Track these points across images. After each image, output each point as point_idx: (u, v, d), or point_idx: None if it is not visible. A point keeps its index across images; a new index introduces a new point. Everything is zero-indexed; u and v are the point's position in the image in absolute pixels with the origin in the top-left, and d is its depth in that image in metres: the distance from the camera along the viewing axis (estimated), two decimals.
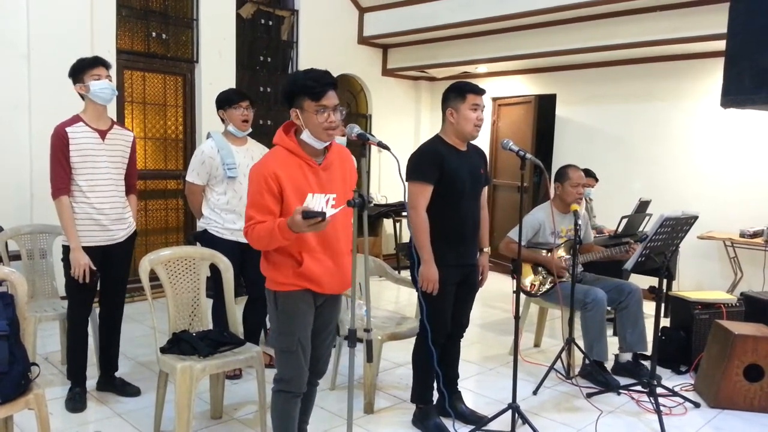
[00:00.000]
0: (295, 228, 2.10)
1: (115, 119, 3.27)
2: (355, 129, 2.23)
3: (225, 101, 3.64)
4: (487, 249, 3.19)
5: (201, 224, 3.64)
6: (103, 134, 3.17)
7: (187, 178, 3.61)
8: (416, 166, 2.93)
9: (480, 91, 2.95)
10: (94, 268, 3.12)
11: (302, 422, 2.56)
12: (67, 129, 3.07)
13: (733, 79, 2.08)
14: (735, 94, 2.09)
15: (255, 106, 3.74)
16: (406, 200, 2.62)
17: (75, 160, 3.07)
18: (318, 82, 2.20)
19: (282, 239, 2.15)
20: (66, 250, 3.13)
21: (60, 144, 3.05)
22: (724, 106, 2.19)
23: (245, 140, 3.70)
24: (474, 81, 3.11)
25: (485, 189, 3.15)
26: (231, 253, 3.31)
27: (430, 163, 2.90)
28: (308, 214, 2.07)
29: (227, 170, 3.50)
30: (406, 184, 2.91)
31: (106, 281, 3.32)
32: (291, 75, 2.31)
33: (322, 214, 2.09)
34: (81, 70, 3.11)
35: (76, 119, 3.13)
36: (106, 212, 3.17)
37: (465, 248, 3.00)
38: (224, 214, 3.54)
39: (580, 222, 3.77)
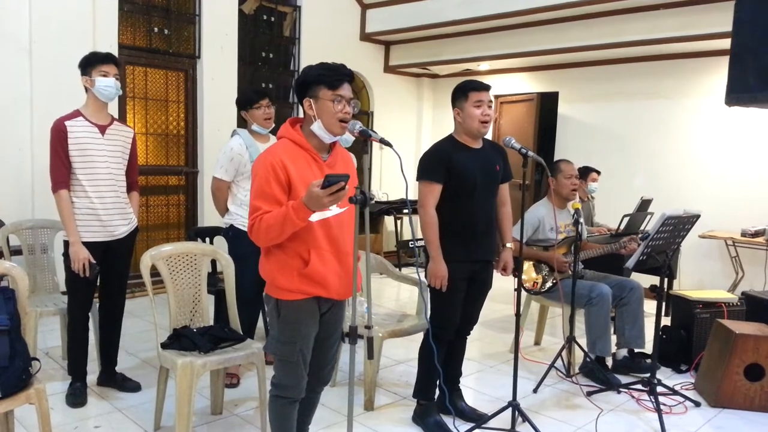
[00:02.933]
0: (313, 203, 1.99)
1: (116, 114, 3.28)
2: (357, 125, 2.21)
3: (246, 102, 3.63)
4: (509, 244, 3.17)
5: (227, 220, 3.65)
6: (102, 129, 3.17)
7: (215, 175, 3.60)
8: (424, 165, 2.98)
9: (482, 87, 2.94)
10: (94, 262, 3.12)
11: (303, 424, 2.52)
12: (67, 123, 3.07)
13: (738, 77, 2.07)
14: (739, 92, 2.08)
15: (275, 103, 3.74)
16: (410, 198, 2.60)
17: (74, 154, 3.07)
18: (335, 72, 2.19)
19: (297, 220, 2.04)
20: (66, 245, 3.12)
21: (59, 137, 3.05)
22: (728, 104, 2.18)
23: (268, 138, 3.71)
24: (476, 78, 3.10)
25: (506, 185, 3.15)
26: (254, 247, 3.30)
27: (437, 162, 2.93)
28: (330, 179, 1.94)
29: None
30: (417, 183, 2.96)
31: (106, 277, 3.32)
32: (306, 67, 2.26)
33: (345, 176, 1.97)
34: (91, 64, 3.11)
35: (76, 114, 3.13)
36: (107, 207, 3.17)
37: (476, 244, 2.99)
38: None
39: (581, 220, 3.77)
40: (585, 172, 5.23)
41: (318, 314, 2.30)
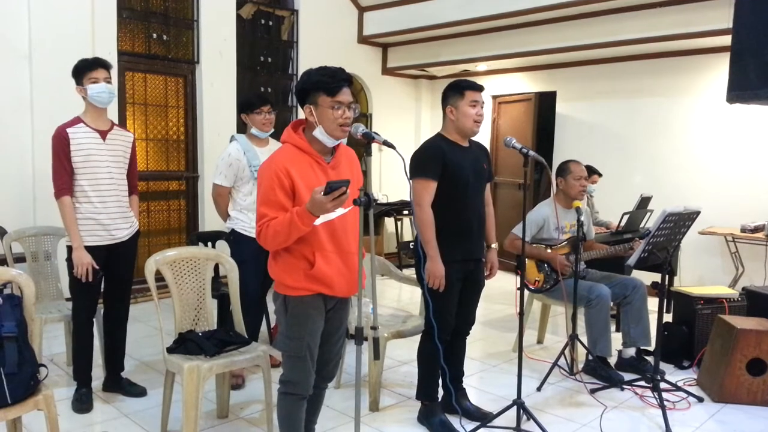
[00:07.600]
0: (317, 209, 2.05)
1: (116, 120, 3.31)
2: (360, 128, 2.23)
3: (247, 106, 3.66)
4: (494, 245, 3.21)
5: (228, 224, 3.67)
6: (103, 134, 3.19)
7: (215, 181, 3.63)
8: (419, 162, 2.96)
9: (478, 88, 2.98)
10: (97, 267, 3.13)
11: (310, 422, 2.56)
12: (68, 130, 3.10)
13: (739, 74, 2.09)
14: (740, 90, 2.10)
15: (276, 109, 3.75)
16: (411, 198, 2.62)
17: (76, 160, 3.09)
18: (333, 78, 2.20)
19: (302, 226, 2.09)
20: (70, 250, 3.14)
21: (61, 145, 3.07)
22: (729, 101, 2.19)
23: (267, 141, 3.73)
24: (474, 79, 3.13)
25: (488, 185, 3.17)
26: (256, 251, 3.31)
27: (432, 159, 2.93)
28: (332, 186, 1.99)
29: (253, 171, 3.53)
30: (410, 181, 2.92)
31: (110, 281, 3.33)
32: (305, 72, 2.28)
33: (346, 182, 2.02)
34: (80, 73, 3.14)
35: (76, 120, 3.16)
36: (109, 212, 3.19)
37: (470, 243, 3.01)
38: (251, 213, 3.56)
39: (582, 218, 3.78)
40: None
41: (324, 310, 2.34)
